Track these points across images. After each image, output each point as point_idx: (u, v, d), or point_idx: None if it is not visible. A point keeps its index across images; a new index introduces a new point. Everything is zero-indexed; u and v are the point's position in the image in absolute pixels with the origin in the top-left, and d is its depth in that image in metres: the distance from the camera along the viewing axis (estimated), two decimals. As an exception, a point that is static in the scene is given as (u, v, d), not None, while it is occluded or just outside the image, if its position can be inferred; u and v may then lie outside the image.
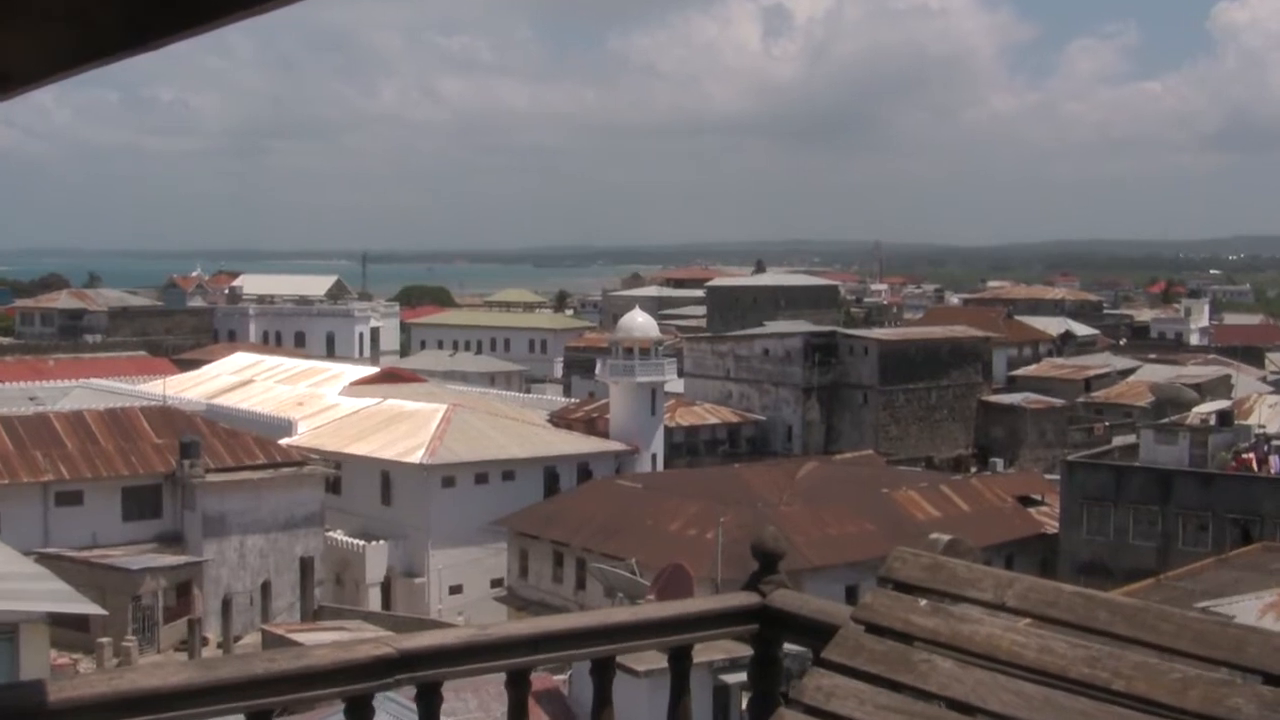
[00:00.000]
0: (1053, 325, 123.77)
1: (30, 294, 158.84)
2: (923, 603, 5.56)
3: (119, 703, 4.89)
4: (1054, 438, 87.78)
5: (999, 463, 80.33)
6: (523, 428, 67.83)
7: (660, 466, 69.57)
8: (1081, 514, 55.22)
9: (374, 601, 59.29)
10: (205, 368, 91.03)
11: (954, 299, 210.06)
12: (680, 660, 6.44)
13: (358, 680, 5.46)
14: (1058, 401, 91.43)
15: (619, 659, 6.16)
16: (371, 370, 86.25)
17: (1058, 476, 60.53)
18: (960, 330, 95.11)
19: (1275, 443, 54.76)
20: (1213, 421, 59.31)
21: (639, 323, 71.30)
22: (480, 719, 22.14)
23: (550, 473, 64.58)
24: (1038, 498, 60.95)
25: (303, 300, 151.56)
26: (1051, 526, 56.82)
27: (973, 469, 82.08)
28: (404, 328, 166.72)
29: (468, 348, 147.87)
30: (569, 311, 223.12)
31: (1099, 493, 55.08)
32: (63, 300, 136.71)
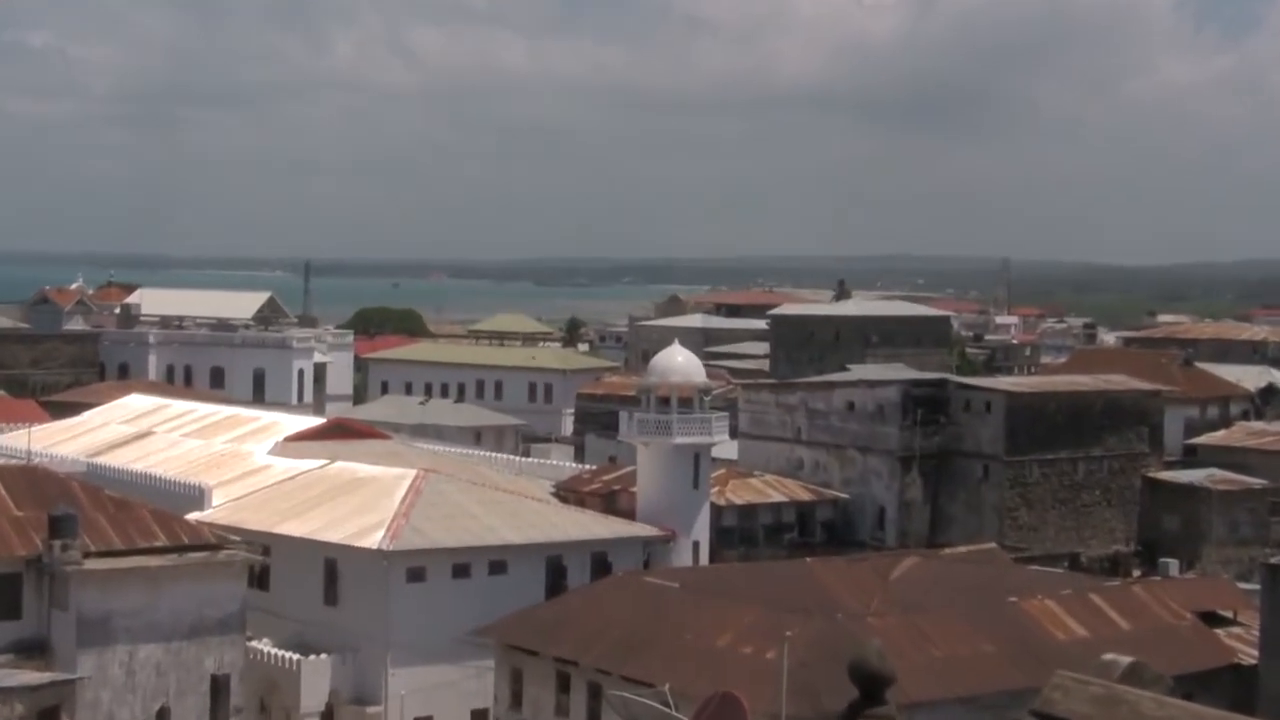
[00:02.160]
0: (1249, 376, 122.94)
1: None
2: (1093, 751, 5.38)
3: None
4: (1250, 532, 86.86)
5: (1172, 564, 79.61)
6: (518, 503, 67.68)
7: (705, 559, 69.24)
8: (1286, 637, 54.52)
9: (310, 737, 59.08)
10: (87, 414, 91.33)
11: (1110, 338, 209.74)
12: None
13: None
14: (1256, 482, 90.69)
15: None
16: (314, 421, 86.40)
17: (1256, 586, 59.87)
18: (1119, 381, 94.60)
19: None
20: None
21: (678, 363, 71.18)
22: None
23: (555, 565, 64.36)
24: (1227, 614, 60.30)
25: (222, 325, 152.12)
26: (1247, 655, 56.15)
27: (1135, 572, 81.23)
28: (359, 364, 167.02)
29: (445, 393, 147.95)
30: (583, 346, 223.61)
31: (1311, 608, 54.33)
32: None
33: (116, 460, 75.68)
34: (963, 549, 73.40)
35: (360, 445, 77.36)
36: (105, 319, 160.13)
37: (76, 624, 50.19)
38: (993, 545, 76.26)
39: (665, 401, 69.82)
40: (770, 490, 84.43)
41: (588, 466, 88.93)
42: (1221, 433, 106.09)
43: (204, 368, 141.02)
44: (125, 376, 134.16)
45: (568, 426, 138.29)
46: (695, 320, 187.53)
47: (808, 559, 66.18)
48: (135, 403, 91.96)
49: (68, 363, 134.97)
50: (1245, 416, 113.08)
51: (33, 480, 55.10)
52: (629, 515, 69.63)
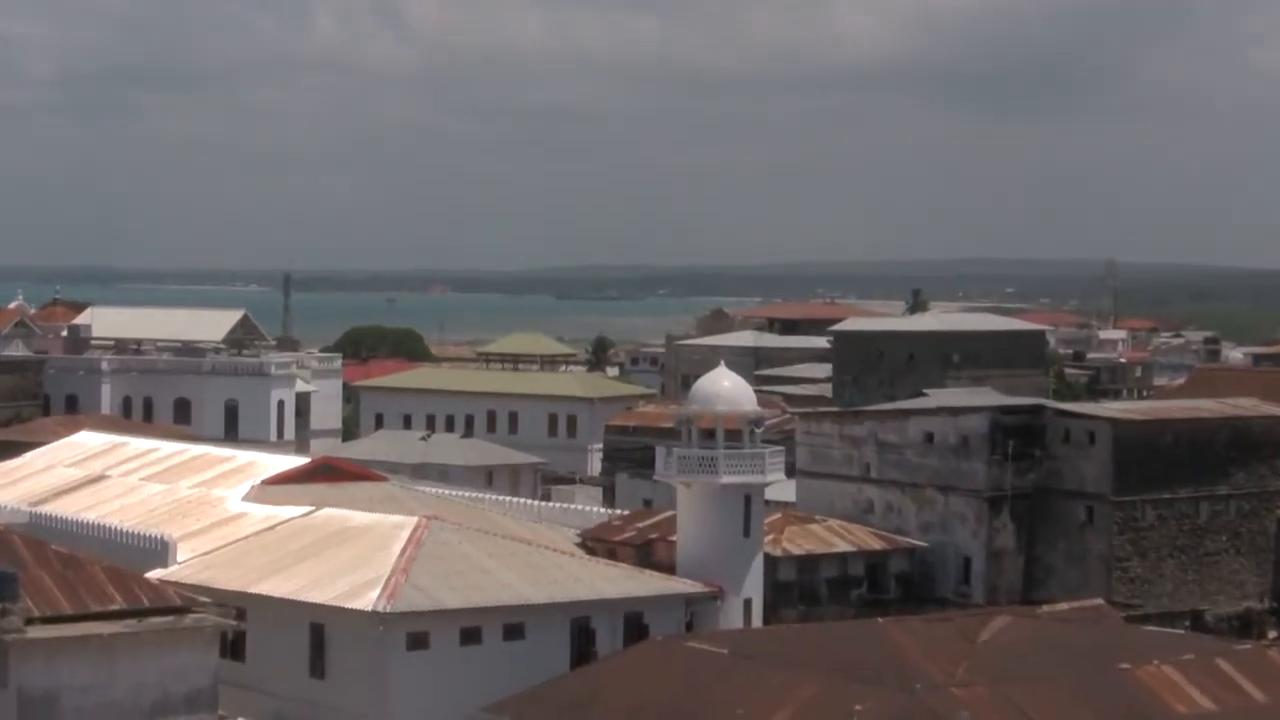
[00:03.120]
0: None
1: None
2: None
3: None
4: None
5: (1314, 622, 79.20)
6: (537, 555, 67.61)
7: (758, 620, 69.06)
8: None
9: (294, 834, 59.12)
10: (29, 455, 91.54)
11: (1236, 354, 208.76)
12: None
13: None
14: None
15: None
16: (297, 461, 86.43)
17: None
18: (1248, 406, 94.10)
19: None
20: None
21: (725, 388, 70.99)
22: None
23: (581, 628, 64.27)
24: (1377, 680, 59.86)
25: (188, 348, 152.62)
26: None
27: (1271, 633, 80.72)
28: (349, 393, 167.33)
29: (450, 426, 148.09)
30: (612, 370, 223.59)
31: None
32: None
33: (64, 509, 75.74)
34: (1064, 606, 72.97)
35: (351, 489, 77.28)
36: (50, 343, 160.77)
37: (17, 703, 50.17)
38: (1099, 602, 75.84)
39: (709, 434, 69.60)
40: (834, 538, 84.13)
41: (619, 512, 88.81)
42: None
43: (166, 399, 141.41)
44: (74, 410, 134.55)
45: (595, 465, 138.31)
46: (744, 338, 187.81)
47: (879, 619, 65.87)
48: (86, 441, 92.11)
49: (6, 395, 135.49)
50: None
51: (-34, 533, 55.13)
52: (668, 569, 69.42)
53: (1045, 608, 71.77)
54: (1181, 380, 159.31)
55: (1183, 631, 73.08)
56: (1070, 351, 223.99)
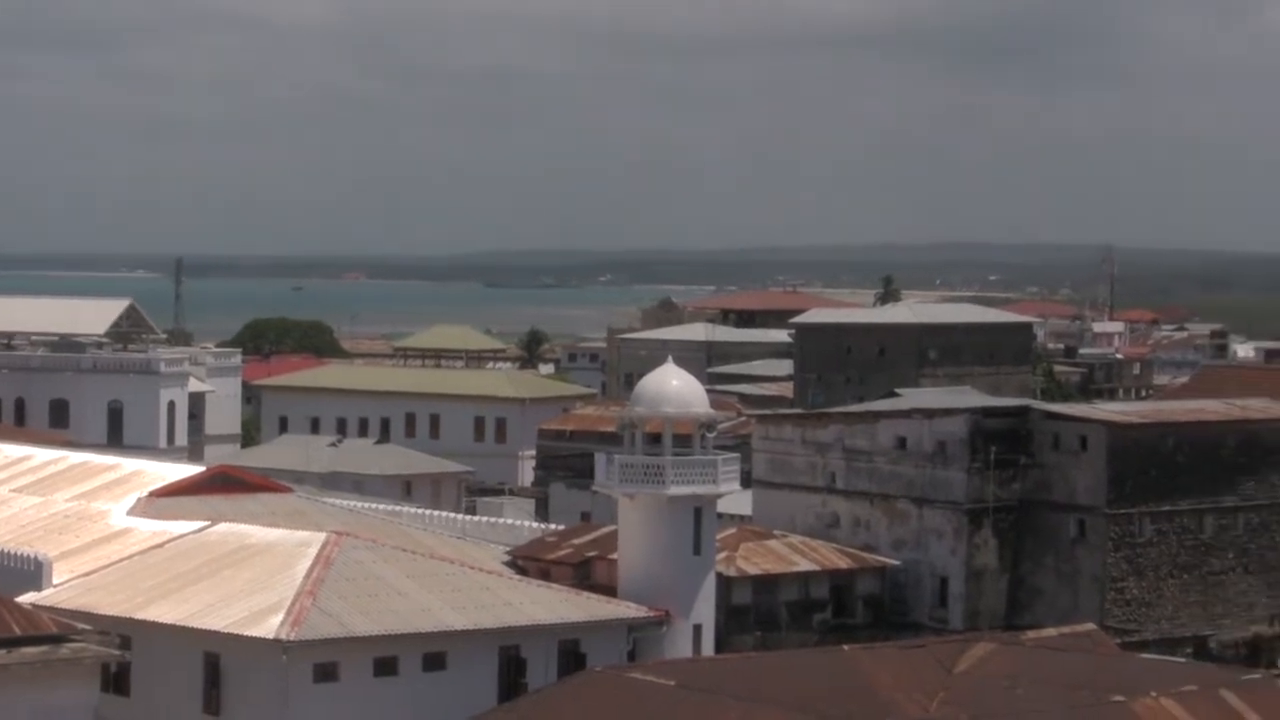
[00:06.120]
0: None
1: None
2: None
3: None
4: None
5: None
6: (461, 576, 67.63)
7: (710, 648, 69.23)
8: None
9: None
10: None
11: (1246, 350, 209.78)
12: None
13: None
14: None
15: None
16: (190, 470, 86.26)
17: None
18: (1258, 408, 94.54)
19: None
20: None
21: (673, 388, 71.09)
22: None
23: (511, 658, 64.34)
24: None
25: (66, 342, 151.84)
26: None
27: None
28: (249, 393, 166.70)
29: (364, 431, 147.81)
30: (546, 367, 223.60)
31: None
32: None
33: (-75, 525, 75.44)
34: (1052, 631, 73.33)
35: (251, 501, 77.22)
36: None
37: (-127, 744, 49.98)
38: (1092, 627, 76.13)
39: (656, 439, 69.66)
40: (796, 556, 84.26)
41: (553, 527, 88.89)
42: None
43: (41, 400, 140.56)
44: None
45: (526, 474, 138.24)
46: (695, 332, 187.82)
47: (846, 646, 66.19)
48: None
49: None
50: None
51: None
52: (609, 591, 69.55)
53: (1031, 634, 72.12)
54: (1185, 379, 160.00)
55: (1184, 660, 73.36)
56: (1061, 346, 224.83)
